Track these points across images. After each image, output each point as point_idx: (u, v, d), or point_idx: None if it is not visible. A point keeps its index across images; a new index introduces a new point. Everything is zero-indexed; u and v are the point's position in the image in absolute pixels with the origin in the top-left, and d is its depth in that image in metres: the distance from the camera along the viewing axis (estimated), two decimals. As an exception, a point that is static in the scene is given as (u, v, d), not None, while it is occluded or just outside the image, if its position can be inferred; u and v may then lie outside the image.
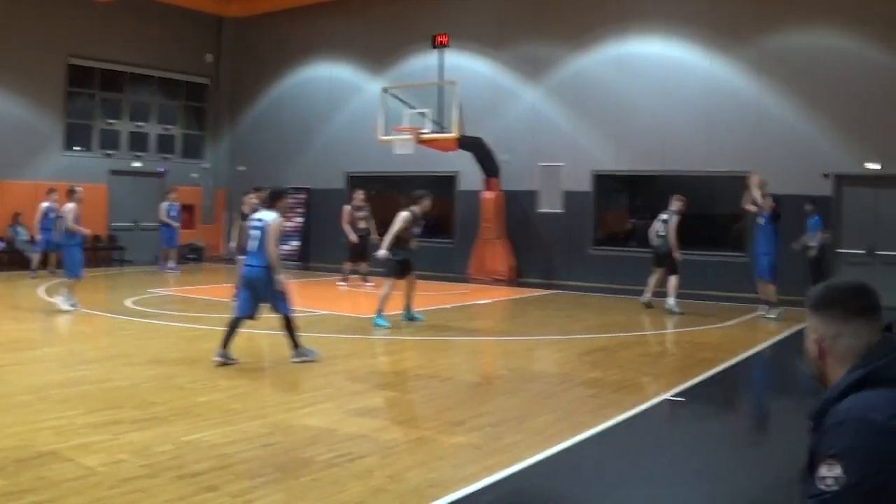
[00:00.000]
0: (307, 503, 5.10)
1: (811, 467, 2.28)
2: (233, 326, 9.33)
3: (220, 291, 16.28)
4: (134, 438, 6.33)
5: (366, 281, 18.10)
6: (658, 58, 19.34)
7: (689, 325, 13.49)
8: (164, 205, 21.88)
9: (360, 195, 18.72)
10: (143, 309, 14.06)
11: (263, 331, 12.02)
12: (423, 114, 19.72)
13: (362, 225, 18.20)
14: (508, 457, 6.10)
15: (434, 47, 20.38)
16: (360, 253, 18.23)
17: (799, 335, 11.36)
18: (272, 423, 6.88)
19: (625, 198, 21.38)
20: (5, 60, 21.78)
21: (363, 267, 18.27)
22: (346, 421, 7.06)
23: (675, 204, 15.18)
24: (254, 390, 8.18)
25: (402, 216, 12.76)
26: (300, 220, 24.82)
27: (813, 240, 16.13)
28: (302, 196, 24.73)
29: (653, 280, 15.37)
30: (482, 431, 6.85)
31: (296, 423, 6.92)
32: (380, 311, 12.54)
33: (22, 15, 22.14)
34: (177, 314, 13.67)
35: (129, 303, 14.78)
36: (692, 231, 19.32)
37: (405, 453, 6.16)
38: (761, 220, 14.42)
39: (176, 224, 21.98)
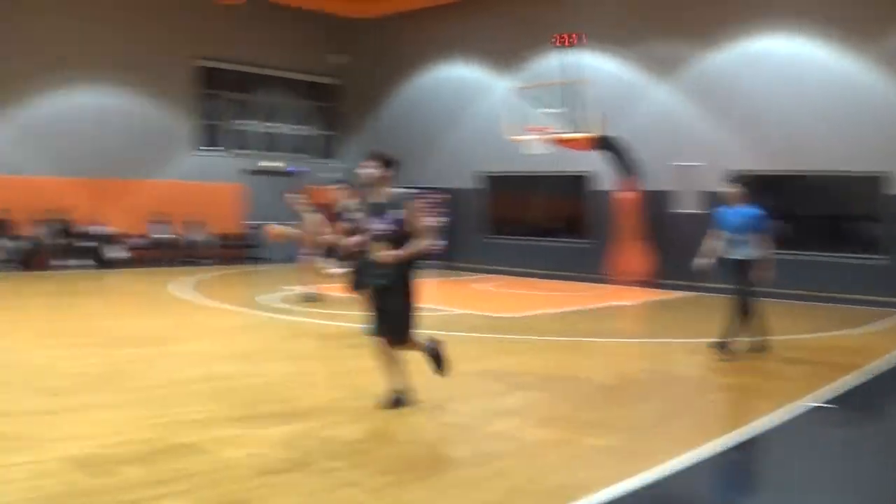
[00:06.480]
0: (448, 502, 5.00)
1: None
2: None
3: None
4: (273, 433, 6.34)
5: None
6: (789, 55, 18.67)
7: (824, 330, 12.92)
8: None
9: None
10: (280, 305, 14.47)
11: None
12: (557, 113, 19.39)
13: None
14: (648, 461, 5.80)
15: (560, 47, 20.12)
16: None
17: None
18: (409, 421, 6.82)
19: (760, 198, 20.61)
20: (141, 64, 22.62)
21: None
22: (485, 420, 6.94)
23: None
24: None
25: None
26: (444, 219, 24.37)
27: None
28: (440, 196, 24.44)
29: None
30: (620, 434, 6.62)
31: (434, 421, 6.83)
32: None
33: (155, 20, 22.95)
34: (312, 311, 13.80)
35: (261, 299, 15.18)
36: (826, 232, 18.72)
37: (543, 454, 5.99)
38: None
39: None
